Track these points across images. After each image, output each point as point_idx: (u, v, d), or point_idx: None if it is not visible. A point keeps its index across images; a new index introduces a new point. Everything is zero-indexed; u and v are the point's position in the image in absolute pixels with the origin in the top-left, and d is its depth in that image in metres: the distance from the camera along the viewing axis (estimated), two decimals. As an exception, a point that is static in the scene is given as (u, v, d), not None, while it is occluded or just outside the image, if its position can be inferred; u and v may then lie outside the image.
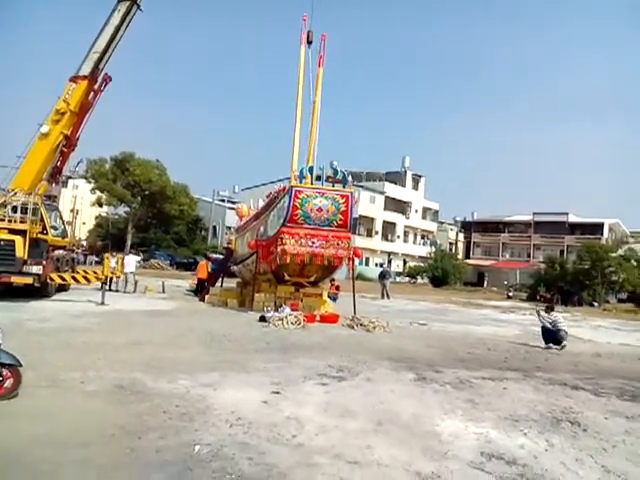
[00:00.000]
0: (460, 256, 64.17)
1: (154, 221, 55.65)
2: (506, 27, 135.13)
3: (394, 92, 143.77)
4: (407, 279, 53.91)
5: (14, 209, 14.42)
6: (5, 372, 5.19)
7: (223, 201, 63.44)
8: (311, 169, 14.93)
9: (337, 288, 19.96)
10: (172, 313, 14.08)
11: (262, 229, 15.79)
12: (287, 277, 15.04)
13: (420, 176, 65.01)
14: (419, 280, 52.70)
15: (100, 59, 16.44)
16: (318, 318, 13.89)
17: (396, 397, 6.44)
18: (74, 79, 16.21)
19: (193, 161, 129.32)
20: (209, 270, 20.44)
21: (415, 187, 64.77)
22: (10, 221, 14.19)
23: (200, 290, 19.69)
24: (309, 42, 16.40)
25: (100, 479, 3.70)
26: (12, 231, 14.06)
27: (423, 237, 67.14)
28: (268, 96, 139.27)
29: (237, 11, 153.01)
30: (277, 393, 6.17)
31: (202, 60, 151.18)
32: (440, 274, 48.17)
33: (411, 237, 65.00)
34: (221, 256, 24.82)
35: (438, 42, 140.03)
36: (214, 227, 59.77)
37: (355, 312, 14.51)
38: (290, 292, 15.05)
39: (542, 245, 64.31)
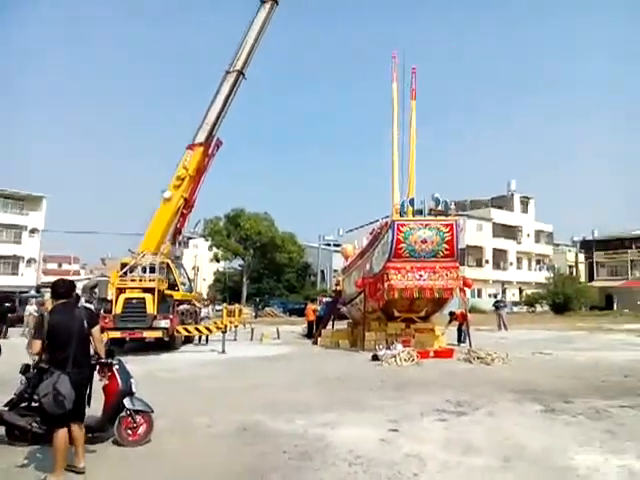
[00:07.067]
0: (582, 279, 59.04)
1: (266, 271, 58.29)
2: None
3: (492, 116, 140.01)
4: (525, 308, 50.62)
5: (144, 269, 15.90)
6: (139, 418, 5.54)
7: (329, 245, 64.59)
8: (412, 201, 14.80)
9: (463, 317, 16.99)
10: (287, 357, 14.47)
11: (368, 266, 15.87)
12: (396, 313, 14.87)
13: (529, 198, 61.68)
14: (539, 308, 49.26)
15: (213, 126, 18.03)
16: (432, 354, 13.50)
17: (523, 431, 6.05)
18: (191, 147, 17.89)
19: (298, 209, 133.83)
20: (316, 313, 21.54)
21: (524, 210, 61.47)
22: (141, 280, 15.63)
23: (311, 332, 20.55)
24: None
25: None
26: (143, 289, 15.46)
27: (538, 262, 62.97)
28: (365, 137, 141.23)
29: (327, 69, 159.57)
30: (395, 430, 6.08)
31: (293, 113, 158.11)
32: (561, 300, 44.67)
33: (525, 263, 61.25)
34: (329, 299, 25.25)
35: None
36: (322, 271, 60.82)
37: (471, 345, 13.92)
38: (401, 329, 14.82)
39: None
